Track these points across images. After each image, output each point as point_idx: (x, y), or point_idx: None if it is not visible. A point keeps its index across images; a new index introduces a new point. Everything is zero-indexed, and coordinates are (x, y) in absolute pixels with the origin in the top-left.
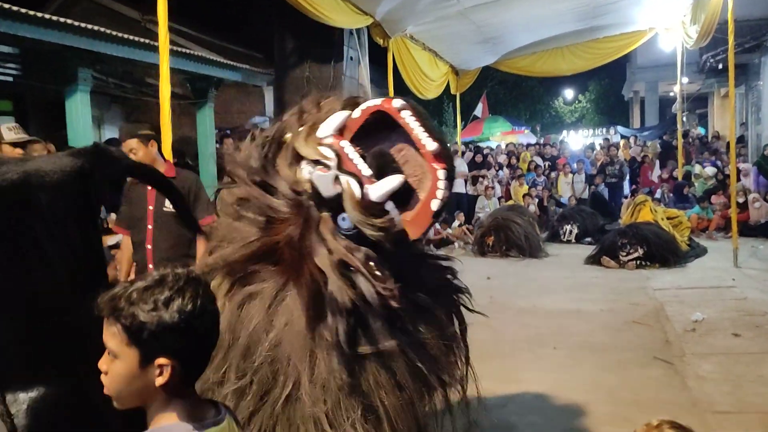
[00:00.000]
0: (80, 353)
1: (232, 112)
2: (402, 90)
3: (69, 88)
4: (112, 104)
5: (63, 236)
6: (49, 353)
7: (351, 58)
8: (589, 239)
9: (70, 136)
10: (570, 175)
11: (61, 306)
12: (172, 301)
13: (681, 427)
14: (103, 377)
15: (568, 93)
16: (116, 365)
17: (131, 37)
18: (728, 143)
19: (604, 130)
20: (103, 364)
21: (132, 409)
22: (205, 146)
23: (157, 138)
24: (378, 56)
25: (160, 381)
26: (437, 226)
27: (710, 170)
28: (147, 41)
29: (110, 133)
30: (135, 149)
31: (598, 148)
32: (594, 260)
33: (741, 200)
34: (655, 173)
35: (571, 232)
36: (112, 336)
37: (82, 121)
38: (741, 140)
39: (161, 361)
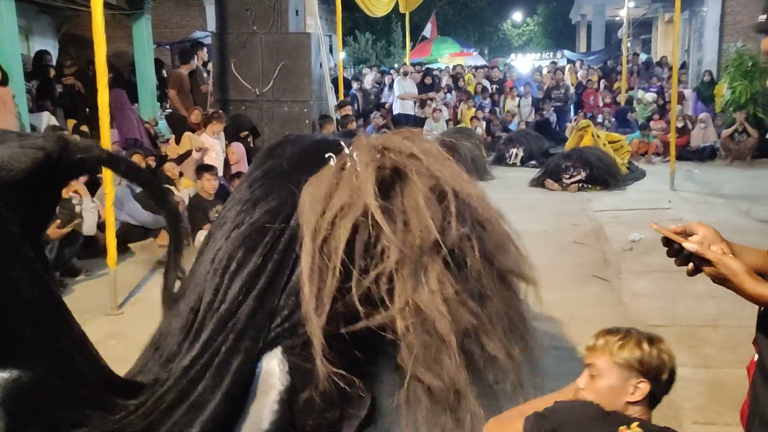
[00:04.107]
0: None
1: (171, 26)
2: (350, 6)
3: None
4: (41, 14)
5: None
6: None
7: None
8: (534, 162)
9: None
10: (517, 99)
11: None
12: None
13: (609, 330)
14: None
15: (517, 16)
16: None
17: None
18: (670, 68)
19: (552, 53)
20: None
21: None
22: (142, 61)
23: None
24: None
25: None
26: None
27: (650, 96)
28: None
29: (39, 45)
30: None
31: (545, 71)
32: (538, 183)
33: (680, 125)
34: (600, 98)
35: (516, 155)
36: None
37: (7, 32)
38: (683, 66)
39: None
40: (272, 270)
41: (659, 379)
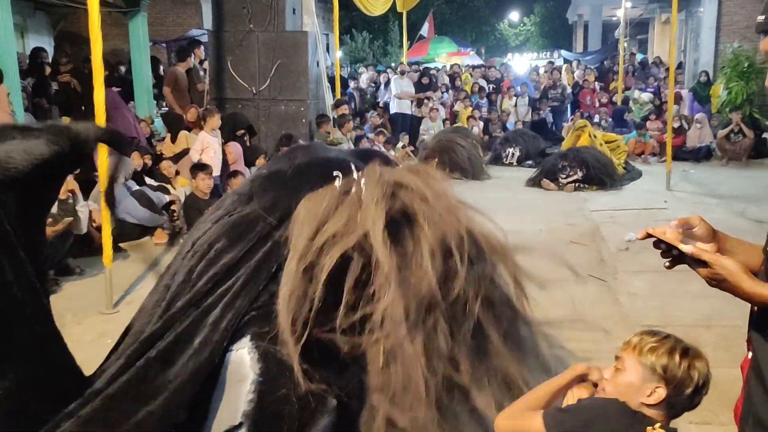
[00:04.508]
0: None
1: (167, 24)
2: (347, 5)
3: None
4: (36, 11)
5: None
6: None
7: None
8: (530, 162)
9: None
10: (514, 98)
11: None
12: None
13: (654, 332)
14: None
15: (514, 16)
16: None
17: None
18: (667, 69)
19: (548, 53)
20: None
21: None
22: (139, 59)
23: None
24: None
25: None
26: (381, 147)
27: (646, 96)
28: None
29: (34, 42)
30: None
31: (542, 71)
32: (534, 182)
33: (676, 125)
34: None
35: (513, 155)
36: None
37: (2, 29)
38: (679, 66)
39: None
40: (253, 267)
41: (680, 391)
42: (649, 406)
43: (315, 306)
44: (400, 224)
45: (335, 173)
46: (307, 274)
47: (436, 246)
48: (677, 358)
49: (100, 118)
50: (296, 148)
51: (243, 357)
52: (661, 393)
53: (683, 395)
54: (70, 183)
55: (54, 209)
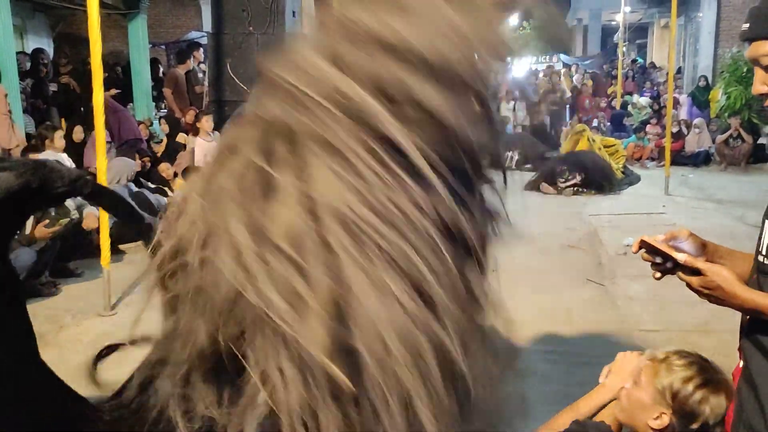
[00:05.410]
0: None
1: (166, 26)
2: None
3: None
4: (35, 12)
5: None
6: None
7: None
8: (529, 166)
9: None
10: (512, 102)
11: None
12: None
13: (688, 353)
14: None
15: (512, 18)
16: None
17: None
18: (666, 74)
19: (547, 57)
20: None
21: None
22: (138, 61)
23: None
24: None
25: None
26: None
27: (644, 100)
28: None
29: (34, 43)
30: None
31: (541, 75)
32: (533, 186)
33: (675, 130)
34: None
35: (511, 158)
36: None
37: (2, 30)
38: (678, 71)
39: None
40: None
41: (686, 423)
42: (654, 430)
43: None
44: None
45: None
46: None
47: None
48: (691, 387)
49: (99, 120)
50: None
51: None
52: (665, 420)
53: (689, 428)
54: None
55: (51, 210)
